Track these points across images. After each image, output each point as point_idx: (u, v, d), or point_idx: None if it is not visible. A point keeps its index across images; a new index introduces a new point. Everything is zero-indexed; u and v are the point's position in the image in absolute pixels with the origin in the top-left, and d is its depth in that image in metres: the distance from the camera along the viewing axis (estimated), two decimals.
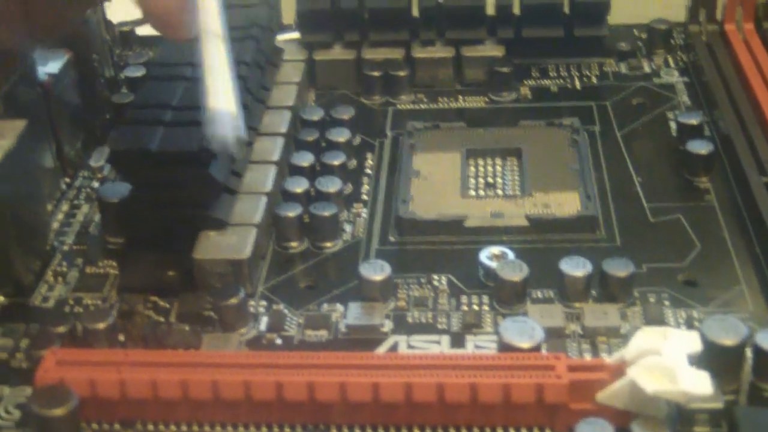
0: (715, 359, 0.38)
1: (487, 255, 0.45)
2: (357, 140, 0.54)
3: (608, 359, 0.37)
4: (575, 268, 0.43)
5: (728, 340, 0.38)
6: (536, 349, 0.38)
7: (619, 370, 0.36)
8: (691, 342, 0.37)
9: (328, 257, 0.47)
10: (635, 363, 0.36)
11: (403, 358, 0.39)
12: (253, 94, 0.50)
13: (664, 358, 0.36)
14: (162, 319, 0.43)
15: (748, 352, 0.39)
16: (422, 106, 0.58)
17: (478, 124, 0.55)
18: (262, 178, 0.48)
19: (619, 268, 0.43)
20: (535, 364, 0.37)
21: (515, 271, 0.43)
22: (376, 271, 0.43)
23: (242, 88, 0.48)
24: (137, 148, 0.44)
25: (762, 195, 0.46)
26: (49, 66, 0.51)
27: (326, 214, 0.47)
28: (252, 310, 0.44)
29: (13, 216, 0.44)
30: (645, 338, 0.37)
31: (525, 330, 0.39)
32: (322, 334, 0.42)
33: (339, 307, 0.44)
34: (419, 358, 0.38)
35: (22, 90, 0.48)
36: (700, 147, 0.50)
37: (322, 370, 0.37)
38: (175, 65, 0.49)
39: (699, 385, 0.35)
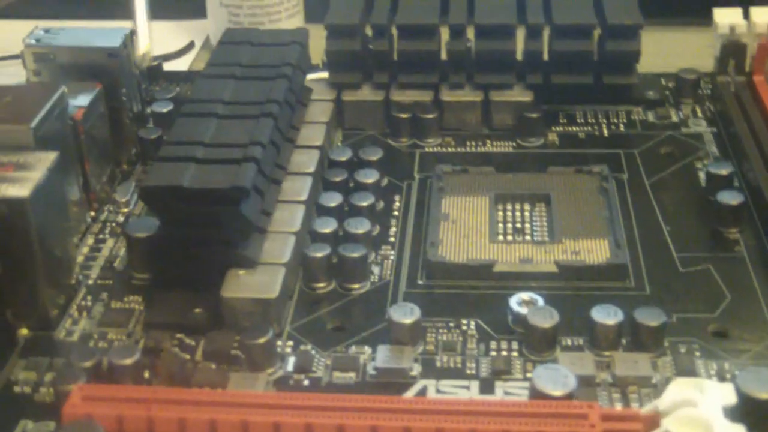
0: (750, 412, 0.37)
1: (517, 301, 0.44)
2: (384, 182, 0.54)
3: (642, 409, 0.37)
4: (607, 316, 0.42)
5: (764, 393, 0.37)
6: (569, 397, 0.38)
7: (652, 421, 0.36)
8: (726, 394, 0.36)
9: (355, 299, 0.46)
10: (670, 414, 0.36)
11: (435, 402, 0.38)
12: (283, 132, 0.50)
13: (700, 411, 0.35)
14: (188, 357, 0.43)
15: None
16: (450, 150, 0.57)
17: (506, 169, 0.55)
18: (291, 218, 0.48)
19: (651, 318, 0.42)
20: (568, 412, 0.36)
21: (546, 318, 0.42)
22: (405, 314, 0.43)
23: (273, 126, 0.48)
24: (169, 184, 0.44)
25: None
26: (79, 99, 0.51)
27: (355, 255, 0.46)
28: (279, 350, 0.43)
29: (41, 248, 0.43)
30: (680, 389, 0.36)
31: (558, 378, 0.38)
32: (350, 376, 0.42)
33: (367, 349, 0.43)
34: (451, 403, 0.37)
35: (53, 121, 0.47)
36: (730, 198, 0.50)
37: (353, 413, 0.36)
38: (208, 102, 0.50)
39: None
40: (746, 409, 0.37)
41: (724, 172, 0.52)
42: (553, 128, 0.59)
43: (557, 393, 0.38)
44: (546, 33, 0.59)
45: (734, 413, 0.36)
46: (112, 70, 0.54)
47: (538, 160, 0.56)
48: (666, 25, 0.72)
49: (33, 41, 0.55)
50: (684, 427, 0.35)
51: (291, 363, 0.43)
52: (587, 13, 0.58)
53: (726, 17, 0.60)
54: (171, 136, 0.48)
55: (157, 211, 0.46)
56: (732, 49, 0.60)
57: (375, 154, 0.54)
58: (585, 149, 0.57)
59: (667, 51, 0.69)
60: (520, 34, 0.59)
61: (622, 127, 0.59)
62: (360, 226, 0.48)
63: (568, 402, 0.38)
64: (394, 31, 0.59)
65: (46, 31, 0.56)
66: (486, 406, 0.37)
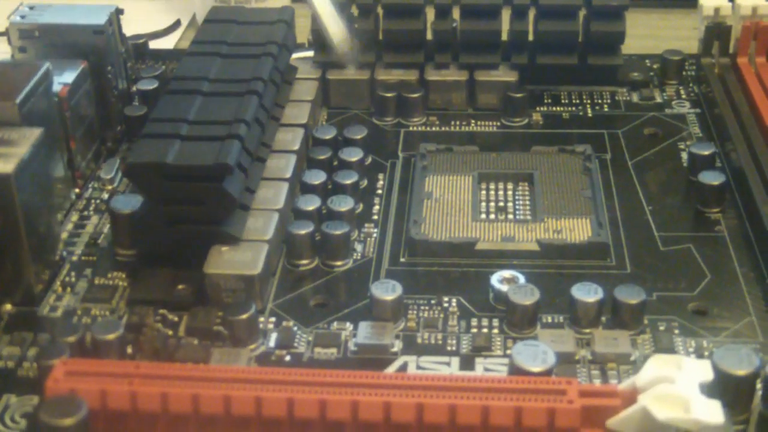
0: (726, 389, 0.38)
1: (498, 278, 0.45)
2: (368, 160, 0.54)
3: (620, 386, 0.37)
4: (587, 294, 0.43)
5: (740, 371, 0.38)
6: (548, 373, 0.38)
7: (630, 397, 0.36)
8: (703, 371, 0.37)
9: (338, 276, 0.47)
10: (648, 390, 0.36)
11: (415, 378, 0.38)
12: (268, 111, 0.50)
13: (677, 387, 0.36)
14: (170, 333, 0.43)
15: (758, 383, 0.39)
16: (434, 129, 0.58)
17: (490, 148, 0.55)
18: (275, 195, 0.48)
19: (631, 296, 0.43)
20: (547, 388, 0.36)
21: (527, 296, 0.43)
22: (387, 291, 0.43)
23: (258, 104, 0.48)
24: (153, 161, 0.44)
25: None
26: (65, 75, 0.51)
27: (338, 232, 0.47)
28: (261, 326, 0.43)
29: (26, 224, 0.44)
30: (658, 366, 0.37)
31: (537, 354, 0.39)
32: (332, 352, 0.42)
33: (348, 325, 0.44)
34: (431, 379, 0.37)
35: (38, 98, 0.48)
36: (712, 178, 0.50)
37: (334, 388, 0.37)
38: (193, 80, 0.50)
39: (711, 414, 0.35)
40: (722, 386, 0.38)
41: (706, 152, 0.52)
42: (537, 108, 0.59)
43: (536, 369, 0.38)
44: (531, 13, 0.59)
45: (711, 389, 0.36)
46: (97, 47, 0.54)
47: (522, 139, 0.56)
48: (652, 6, 0.72)
49: (18, 18, 0.55)
50: (660, 402, 0.35)
51: (273, 339, 0.43)
52: None
53: (712, 0, 0.60)
54: (155, 113, 0.48)
55: (141, 188, 0.46)
56: (716, 32, 0.60)
57: (359, 133, 0.54)
58: (569, 129, 0.57)
59: (652, 33, 0.70)
60: (506, 14, 0.59)
61: (606, 108, 0.59)
62: (343, 204, 0.48)
63: (546, 378, 0.38)
64: (380, 11, 0.59)
65: (32, 8, 0.56)
66: (465, 382, 0.37)
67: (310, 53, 0.60)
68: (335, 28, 0.56)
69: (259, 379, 0.37)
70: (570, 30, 0.58)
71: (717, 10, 0.59)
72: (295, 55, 0.59)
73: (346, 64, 0.58)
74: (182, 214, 0.45)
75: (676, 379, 0.36)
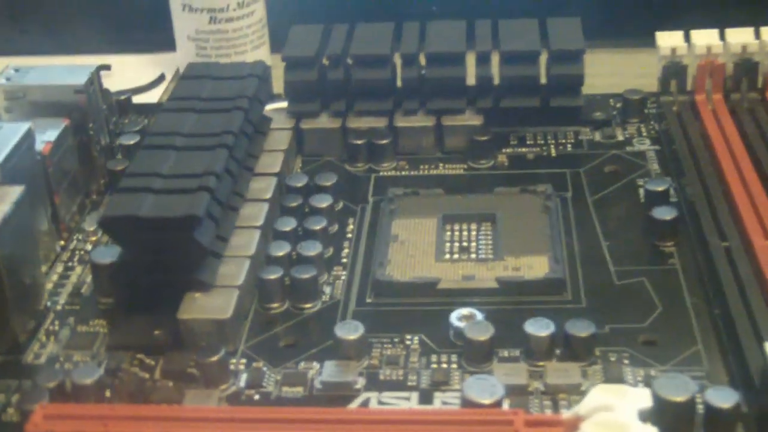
0: (667, 415, 0.40)
1: (457, 316, 0.47)
2: (340, 206, 0.57)
3: (564, 415, 0.39)
4: (539, 329, 0.45)
5: (678, 397, 0.40)
6: (497, 405, 0.41)
7: (574, 425, 0.38)
8: (643, 399, 0.39)
9: (307, 318, 0.49)
10: (589, 418, 0.38)
11: (370, 413, 0.41)
12: (240, 161, 0.53)
13: (617, 414, 0.38)
14: (147, 376, 0.46)
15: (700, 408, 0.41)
16: (404, 173, 0.60)
17: (456, 190, 0.58)
18: (247, 242, 0.51)
19: (581, 329, 0.45)
20: (495, 419, 0.39)
21: (482, 332, 0.45)
22: (350, 331, 0.46)
23: (228, 156, 0.51)
24: (126, 214, 0.46)
25: (720, 259, 0.49)
26: (48, 134, 0.54)
27: (306, 276, 0.49)
28: (233, 367, 0.46)
29: (10, 277, 0.46)
30: (600, 395, 0.39)
31: (486, 387, 0.41)
32: (298, 390, 0.45)
33: (315, 364, 0.46)
34: (386, 413, 0.40)
35: (20, 157, 0.50)
36: (664, 213, 0.52)
37: (296, 424, 0.39)
38: (167, 135, 0.52)
39: None
40: (661, 412, 0.40)
41: (660, 188, 0.55)
42: (503, 150, 0.62)
43: (486, 401, 0.41)
44: (495, 59, 0.62)
45: (651, 416, 0.39)
46: (79, 105, 0.57)
47: (487, 181, 0.59)
48: (617, 46, 0.75)
49: (4, 80, 0.58)
50: (601, 430, 0.37)
51: (243, 379, 0.45)
52: (533, 40, 0.61)
53: (668, 40, 0.62)
54: (131, 168, 0.51)
55: (116, 239, 0.48)
56: (673, 70, 0.62)
57: (329, 180, 0.57)
58: (533, 169, 0.60)
59: (618, 71, 0.72)
60: (471, 60, 0.62)
61: (569, 147, 0.62)
62: (312, 249, 0.51)
63: (495, 410, 0.40)
64: (350, 61, 0.62)
65: (17, 70, 0.59)
66: (418, 415, 0.39)
67: (284, 104, 0.63)
68: None
69: (226, 418, 0.39)
70: (531, 74, 0.61)
71: (673, 49, 0.62)
72: (271, 106, 0.62)
73: None
74: (156, 264, 0.47)
75: (615, 407, 0.38)
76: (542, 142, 0.62)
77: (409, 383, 0.45)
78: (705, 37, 0.62)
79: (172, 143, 0.52)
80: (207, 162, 0.50)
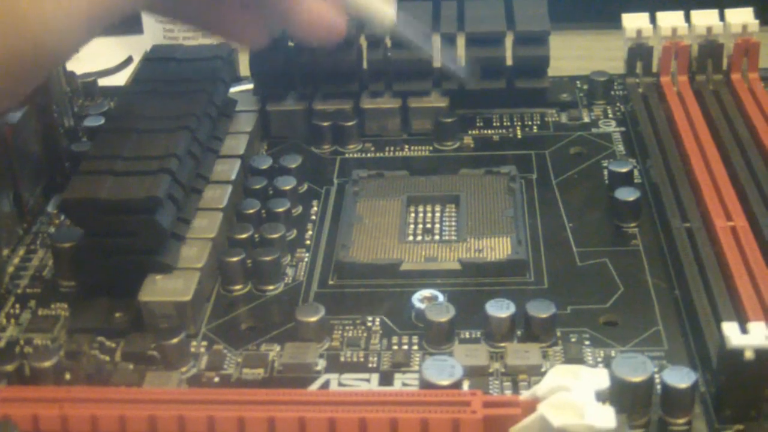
0: (624, 395, 0.40)
1: (418, 297, 0.47)
2: (304, 188, 0.57)
3: (522, 396, 0.39)
4: (500, 310, 0.45)
5: (635, 377, 0.40)
6: (456, 386, 0.41)
7: (531, 406, 0.38)
8: (601, 379, 0.39)
9: (269, 300, 0.49)
10: (546, 399, 0.38)
11: (328, 394, 0.41)
12: (203, 144, 0.53)
13: (573, 395, 0.38)
14: (107, 359, 0.46)
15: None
16: (369, 155, 0.60)
17: (421, 172, 0.57)
18: (209, 225, 0.50)
19: (541, 310, 0.45)
20: (453, 400, 0.39)
21: (442, 313, 0.45)
22: (310, 313, 0.46)
23: (191, 138, 0.51)
24: (87, 197, 0.46)
25: (682, 240, 0.49)
26: (10, 116, 0.54)
27: (267, 258, 0.49)
28: (193, 349, 0.46)
29: None
30: (557, 376, 0.39)
31: (445, 368, 0.41)
32: (258, 372, 0.45)
33: (276, 346, 0.46)
34: (344, 394, 0.40)
35: None
36: (627, 194, 0.53)
37: (252, 405, 0.39)
38: (129, 117, 0.52)
39: (603, 419, 0.37)
40: (620, 393, 0.40)
41: (623, 169, 0.55)
42: (469, 132, 0.62)
43: (444, 382, 0.41)
44: (460, 41, 0.61)
45: (611, 396, 0.39)
46: (41, 88, 0.57)
47: (452, 163, 0.59)
48: (586, 28, 0.75)
49: None
50: (557, 410, 0.37)
51: (204, 362, 0.45)
52: (498, 22, 0.61)
53: (634, 22, 0.62)
54: (92, 150, 0.50)
55: (77, 222, 0.48)
56: (639, 52, 0.62)
57: (294, 162, 0.57)
58: (498, 151, 0.60)
59: (586, 53, 0.72)
60: (436, 42, 0.61)
61: (535, 129, 0.62)
62: (274, 231, 0.51)
63: (453, 391, 0.40)
64: None
65: None
66: (377, 397, 0.39)
67: (250, 86, 0.62)
68: (376, 6, 0.55)
69: (182, 399, 0.39)
70: (496, 56, 0.61)
71: (639, 31, 0.62)
72: (237, 88, 0.62)
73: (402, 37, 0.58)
74: (117, 246, 0.47)
75: (572, 387, 0.38)
76: (508, 123, 0.62)
77: (370, 365, 0.45)
78: (670, 19, 0.62)
79: (133, 125, 0.51)
80: (168, 144, 0.50)
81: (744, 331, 0.40)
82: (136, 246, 0.47)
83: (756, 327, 0.40)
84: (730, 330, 0.40)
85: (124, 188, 0.47)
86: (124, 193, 0.47)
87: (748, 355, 0.39)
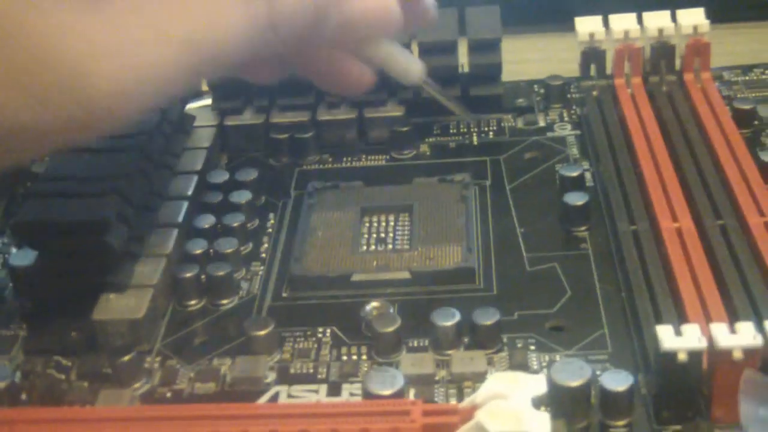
0: (563, 400, 0.41)
1: (368, 308, 0.48)
2: (261, 201, 0.57)
3: (461, 403, 0.40)
4: (445, 318, 0.46)
5: (573, 382, 0.41)
6: (398, 395, 0.42)
7: (470, 414, 0.39)
8: (538, 385, 0.40)
9: (224, 314, 0.50)
10: (484, 406, 0.39)
11: (272, 407, 0.42)
12: (156, 161, 0.54)
13: (510, 402, 0.39)
14: (63, 377, 0.46)
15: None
16: (327, 166, 0.61)
17: (377, 182, 0.58)
18: (164, 241, 0.51)
19: (486, 317, 0.46)
20: (393, 410, 0.39)
21: (389, 323, 0.46)
22: (260, 326, 0.46)
23: (141, 157, 0.52)
24: (37, 219, 0.47)
25: (628, 242, 0.50)
26: None
27: (220, 273, 0.50)
28: (147, 366, 0.47)
29: None
30: (495, 383, 0.40)
31: (386, 379, 0.42)
32: (210, 386, 0.45)
33: (228, 360, 0.47)
34: (287, 407, 0.41)
35: None
36: (576, 198, 0.53)
37: (198, 421, 0.40)
38: None
39: (540, 426, 0.38)
40: (557, 397, 0.41)
41: (574, 173, 0.55)
42: (426, 140, 0.62)
43: (386, 392, 0.41)
44: (414, 49, 0.62)
45: (546, 402, 0.40)
46: None
47: (408, 171, 0.59)
48: (547, 31, 0.75)
49: None
50: (494, 417, 0.38)
51: (157, 377, 0.46)
52: (451, 29, 0.62)
53: (587, 25, 0.63)
54: (45, 172, 0.51)
55: (30, 245, 0.49)
56: (593, 55, 0.63)
57: (249, 175, 0.57)
58: (454, 158, 0.61)
59: (548, 56, 0.73)
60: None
61: (492, 135, 0.63)
62: (228, 246, 0.52)
63: (393, 400, 0.41)
64: None
65: None
66: (319, 408, 0.40)
67: (208, 101, 0.63)
68: (406, 61, 0.53)
69: (130, 417, 0.40)
70: (450, 64, 0.61)
71: (592, 35, 0.62)
72: (193, 104, 0.62)
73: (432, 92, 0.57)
74: (70, 267, 0.48)
75: (509, 394, 0.39)
76: (465, 130, 0.63)
77: (319, 376, 0.46)
78: (623, 22, 0.62)
79: (86, 146, 0.52)
80: (119, 164, 0.51)
81: (678, 333, 0.41)
82: (88, 267, 0.48)
83: (690, 329, 0.41)
84: (665, 333, 0.41)
85: (74, 210, 0.48)
86: (74, 215, 0.47)
87: (681, 357, 0.40)
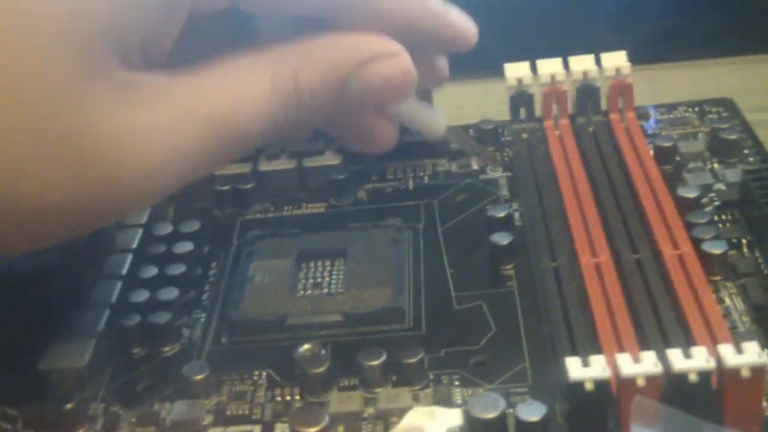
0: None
1: (300, 350, 0.50)
2: (205, 250, 0.60)
3: None
4: (371, 357, 0.48)
5: (487, 414, 0.43)
6: None
7: None
8: (454, 419, 0.42)
9: (166, 360, 0.52)
10: None
11: None
12: None
13: None
14: (9, 426, 0.49)
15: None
16: (269, 215, 0.63)
17: (315, 228, 0.61)
18: (108, 292, 0.54)
19: (410, 355, 0.48)
20: None
21: (317, 364, 0.48)
22: (196, 371, 0.49)
23: None
24: None
25: (548, 278, 0.52)
26: None
27: (161, 321, 0.52)
28: (91, 412, 0.49)
29: None
30: (414, 417, 0.42)
31: (311, 416, 0.44)
32: (150, 430, 0.48)
33: (169, 404, 0.49)
34: None
35: None
36: (502, 238, 0.56)
37: None
38: None
39: None
40: (473, 430, 0.43)
41: (501, 214, 0.58)
42: (364, 186, 0.65)
43: (311, 430, 0.44)
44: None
45: None
46: None
47: (345, 218, 0.61)
48: (480, 77, 0.78)
49: None
50: None
51: (100, 423, 0.48)
52: None
53: (515, 71, 0.66)
54: None
55: None
56: (521, 99, 0.66)
57: (192, 227, 0.60)
58: (390, 203, 0.63)
59: (480, 101, 0.75)
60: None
61: (426, 179, 0.65)
62: (169, 294, 0.54)
63: None
64: None
65: None
66: None
67: None
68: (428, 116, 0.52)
69: None
70: None
71: (520, 79, 0.65)
72: None
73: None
74: (14, 318, 0.50)
75: (426, 428, 0.42)
76: (402, 175, 0.66)
77: (254, 416, 0.48)
78: (549, 66, 0.65)
79: None
80: None
81: (585, 364, 0.43)
82: (32, 317, 0.50)
83: (596, 360, 0.43)
84: (572, 364, 0.43)
85: (19, 263, 0.50)
86: (19, 268, 0.50)
87: (588, 386, 0.42)
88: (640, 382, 0.42)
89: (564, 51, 0.66)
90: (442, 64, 0.52)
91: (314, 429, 0.44)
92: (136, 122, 0.40)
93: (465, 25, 0.49)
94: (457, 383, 0.49)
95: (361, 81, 0.45)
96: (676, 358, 0.43)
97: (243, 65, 0.43)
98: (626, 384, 0.42)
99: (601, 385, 0.42)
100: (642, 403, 0.40)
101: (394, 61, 0.46)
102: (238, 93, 0.42)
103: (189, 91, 0.42)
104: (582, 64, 0.65)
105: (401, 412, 0.47)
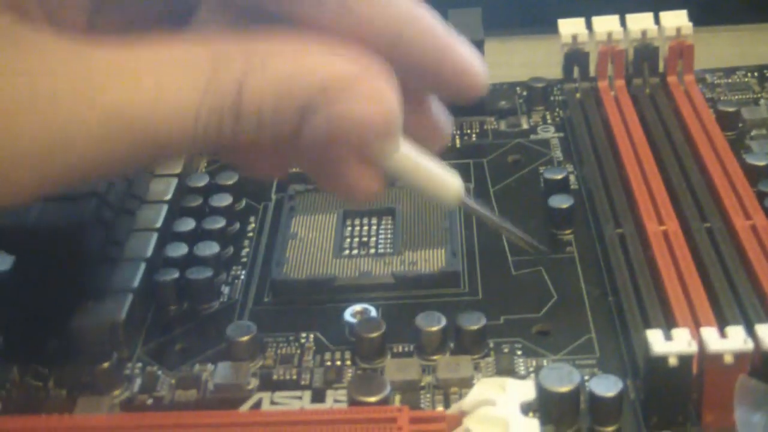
0: (552, 406, 0.40)
1: (350, 312, 0.47)
2: (242, 204, 0.57)
3: (448, 410, 0.39)
4: (430, 323, 0.45)
5: (561, 388, 0.40)
6: (384, 402, 0.41)
7: (456, 421, 0.38)
8: (527, 391, 0.39)
9: (204, 319, 0.49)
10: (471, 413, 0.38)
11: (254, 415, 0.41)
12: None
13: (498, 408, 0.38)
14: (41, 385, 0.45)
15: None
16: None
17: None
18: (143, 245, 0.50)
19: (472, 322, 0.45)
20: (379, 417, 0.39)
21: (373, 328, 0.45)
22: (242, 332, 0.46)
23: None
24: (11, 224, 0.46)
25: (614, 246, 0.49)
26: None
27: (200, 277, 0.49)
28: (127, 372, 0.46)
29: None
30: (483, 389, 0.39)
31: (372, 385, 0.41)
32: (192, 394, 0.44)
33: (210, 366, 0.46)
34: (270, 414, 0.40)
35: None
36: (561, 201, 0.53)
37: (180, 429, 0.39)
38: None
39: None
40: (547, 403, 0.40)
41: (558, 176, 0.55)
42: None
43: (372, 399, 0.41)
44: None
45: (539, 407, 0.39)
46: None
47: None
48: (526, 34, 0.75)
49: None
50: (482, 424, 0.38)
51: (137, 384, 0.45)
52: None
53: (569, 27, 0.62)
54: None
55: (7, 250, 0.48)
56: (576, 57, 0.62)
57: (230, 179, 0.56)
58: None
59: (526, 60, 0.72)
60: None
61: (474, 138, 0.62)
62: (208, 250, 0.51)
63: (380, 407, 0.40)
64: None
65: None
66: (303, 416, 0.40)
67: None
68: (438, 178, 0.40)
69: (111, 426, 0.39)
70: None
71: (575, 36, 0.62)
72: None
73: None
74: (48, 272, 0.47)
75: (497, 400, 0.39)
76: None
77: (302, 382, 0.45)
78: (606, 24, 0.62)
79: None
80: None
81: (668, 337, 0.40)
82: (66, 272, 0.47)
83: (680, 333, 0.40)
84: (654, 337, 0.40)
85: (51, 214, 0.47)
86: (52, 220, 0.46)
87: (672, 361, 0.39)
88: (728, 359, 0.39)
89: (621, 8, 0.63)
90: (440, 112, 0.40)
91: (375, 398, 0.41)
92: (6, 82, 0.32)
93: (475, 65, 0.37)
94: (519, 352, 0.45)
95: (329, 115, 0.34)
96: (766, 334, 0.40)
97: (173, 56, 0.33)
98: (712, 360, 0.39)
99: (684, 360, 0.39)
100: (746, 384, 0.37)
101: (375, 94, 0.34)
102: (160, 91, 0.33)
103: (98, 69, 0.33)
104: (640, 22, 0.62)
105: (462, 383, 0.44)
